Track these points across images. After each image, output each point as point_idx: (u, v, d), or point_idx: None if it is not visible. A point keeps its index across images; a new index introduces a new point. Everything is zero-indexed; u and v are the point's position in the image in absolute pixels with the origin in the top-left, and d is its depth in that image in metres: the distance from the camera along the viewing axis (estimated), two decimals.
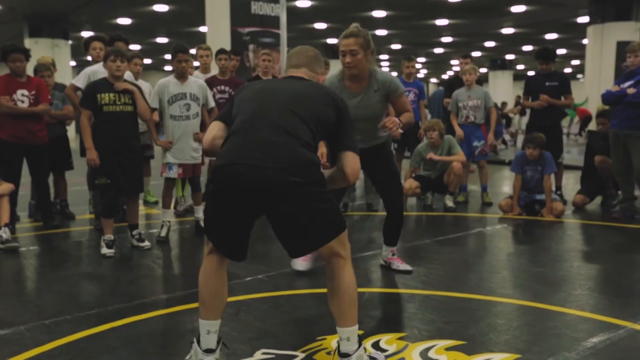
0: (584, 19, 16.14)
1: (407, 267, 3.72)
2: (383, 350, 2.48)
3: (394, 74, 9.65)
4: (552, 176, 5.91)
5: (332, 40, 20.95)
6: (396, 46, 23.30)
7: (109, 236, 4.30)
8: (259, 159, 2.01)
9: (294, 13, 14.63)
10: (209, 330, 2.21)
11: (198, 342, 2.22)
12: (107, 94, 4.24)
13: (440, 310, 3.01)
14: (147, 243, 4.47)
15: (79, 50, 6.21)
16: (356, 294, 2.20)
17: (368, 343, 2.55)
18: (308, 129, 2.12)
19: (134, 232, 4.50)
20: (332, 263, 2.19)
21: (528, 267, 3.93)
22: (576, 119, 19.75)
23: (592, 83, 14.35)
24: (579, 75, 32.32)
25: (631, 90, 5.16)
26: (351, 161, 2.27)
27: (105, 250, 4.24)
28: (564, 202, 6.10)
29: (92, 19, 17.16)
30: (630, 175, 5.44)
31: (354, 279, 2.21)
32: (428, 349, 2.50)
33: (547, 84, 6.20)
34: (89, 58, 5.50)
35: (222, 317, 2.26)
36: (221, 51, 5.94)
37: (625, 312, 2.95)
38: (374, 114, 3.34)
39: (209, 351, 2.20)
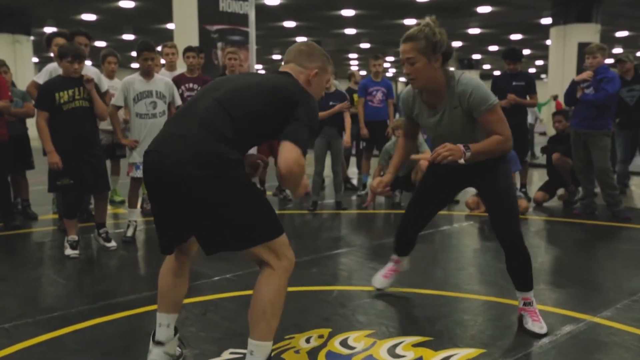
0: (547, 21, 16.53)
1: (540, 329, 2.66)
2: (351, 348, 2.49)
3: (362, 72, 9.70)
4: (517, 174, 6.04)
5: (301, 39, 20.95)
6: (365, 45, 23.43)
7: (73, 237, 4.20)
8: (163, 149, 2.00)
9: (263, 11, 14.56)
10: (161, 322, 2.23)
11: (153, 333, 2.26)
12: (65, 92, 4.09)
13: (408, 307, 3.05)
14: (113, 243, 4.39)
15: (42, 47, 6.04)
16: (273, 310, 2.02)
17: (336, 341, 2.56)
18: (231, 123, 2.02)
19: (101, 231, 4.41)
20: (261, 269, 2.08)
21: (494, 263, 4.00)
22: (541, 116, 20.18)
23: (555, 83, 14.73)
24: (543, 75, 33.06)
25: (579, 77, 5.33)
26: (282, 150, 2.00)
27: (69, 252, 4.15)
28: (529, 200, 6.24)
29: (55, 14, 16.72)
30: (590, 173, 5.59)
31: (276, 294, 2.02)
32: (395, 345, 2.53)
33: (513, 83, 6.33)
34: (52, 55, 5.36)
35: (186, 316, 2.25)
36: (189, 49, 5.88)
37: (586, 305, 3.04)
38: (461, 129, 2.63)
39: (157, 343, 2.23)
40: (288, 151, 1.99)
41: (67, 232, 4.23)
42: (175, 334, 2.27)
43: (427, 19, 2.55)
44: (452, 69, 2.53)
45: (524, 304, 2.75)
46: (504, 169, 2.70)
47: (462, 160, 2.48)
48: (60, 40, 5.22)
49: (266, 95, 2.10)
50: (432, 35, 2.49)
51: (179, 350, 2.34)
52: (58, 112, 4.09)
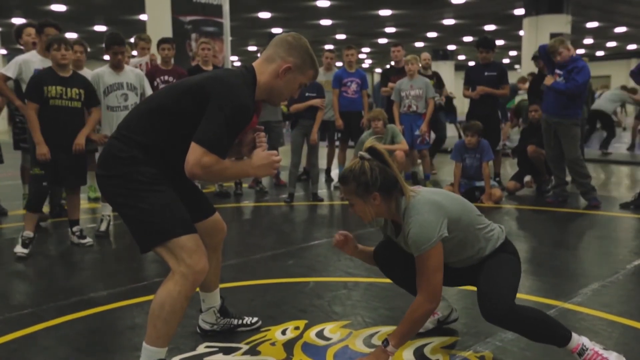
0: (519, 11, 16.72)
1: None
2: (327, 339, 2.50)
3: (339, 63, 9.64)
4: (491, 163, 6.12)
5: (276, 30, 20.79)
6: (341, 36, 23.40)
7: (28, 233, 3.97)
8: None
9: (237, 1, 14.39)
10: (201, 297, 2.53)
11: None
12: (54, 87, 3.99)
13: (384, 298, 3.06)
14: (88, 239, 4.29)
15: (9, 38, 5.88)
16: (161, 313, 1.93)
17: (312, 332, 2.57)
18: (137, 120, 2.05)
19: (75, 229, 4.29)
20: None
21: None
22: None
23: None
24: (517, 66, 33.46)
25: (548, 82, 5.42)
26: (189, 152, 1.89)
27: (18, 249, 3.90)
28: (502, 189, 6.33)
29: (23, 5, 16.28)
30: (561, 162, 5.69)
31: (167, 298, 1.92)
32: (371, 335, 2.54)
33: (486, 73, 6.40)
34: (22, 46, 5.22)
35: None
36: (164, 40, 5.79)
37: (557, 292, 3.10)
38: None
39: (200, 311, 2.56)
40: (190, 153, 1.88)
41: (24, 227, 4.03)
42: (210, 308, 2.51)
43: (361, 153, 2.22)
44: (408, 193, 2.21)
45: (579, 354, 2.10)
46: (502, 257, 2.31)
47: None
48: (31, 31, 5.08)
49: (184, 89, 2.01)
50: (360, 175, 2.15)
51: (223, 318, 2.55)
52: (44, 105, 4.00)
